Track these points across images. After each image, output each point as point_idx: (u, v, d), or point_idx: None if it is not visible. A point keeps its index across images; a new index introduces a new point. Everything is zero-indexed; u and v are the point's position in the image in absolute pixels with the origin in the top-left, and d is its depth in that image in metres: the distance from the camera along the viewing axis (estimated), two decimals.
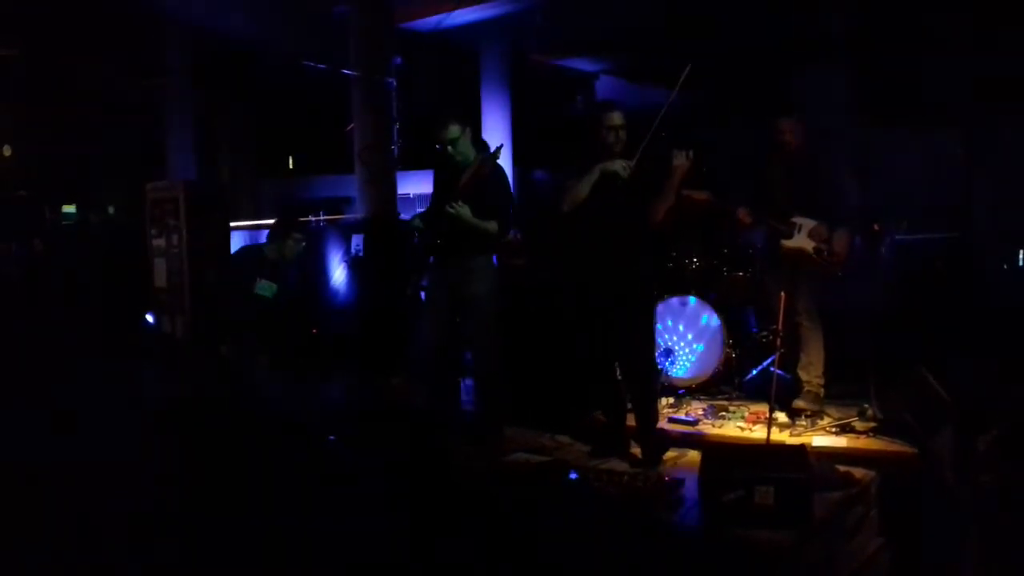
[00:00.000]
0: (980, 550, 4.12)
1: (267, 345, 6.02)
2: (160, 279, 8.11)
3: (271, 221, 6.88)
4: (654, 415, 4.75)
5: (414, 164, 10.31)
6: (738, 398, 5.71)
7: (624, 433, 4.77)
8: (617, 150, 4.53)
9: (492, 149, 4.84)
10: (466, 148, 4.92)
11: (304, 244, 6.47)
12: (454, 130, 4.85)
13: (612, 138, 4.54)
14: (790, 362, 5.31)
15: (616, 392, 4.81)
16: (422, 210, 5.26)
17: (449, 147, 4.87)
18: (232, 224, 8.53)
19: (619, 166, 4.47)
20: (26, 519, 4.26)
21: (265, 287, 6.07)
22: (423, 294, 5.33)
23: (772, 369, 4.96)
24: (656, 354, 5.56)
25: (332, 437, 5.21)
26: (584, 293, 4.69)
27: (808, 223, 5.25)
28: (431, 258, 5.02)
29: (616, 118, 4.55)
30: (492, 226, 4.84)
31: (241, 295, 5.98)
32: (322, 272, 8.79)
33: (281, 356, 6.40)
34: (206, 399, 5.80)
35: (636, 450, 4.69)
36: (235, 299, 6.00)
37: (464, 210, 4.75)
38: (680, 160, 4.43)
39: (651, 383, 4.78)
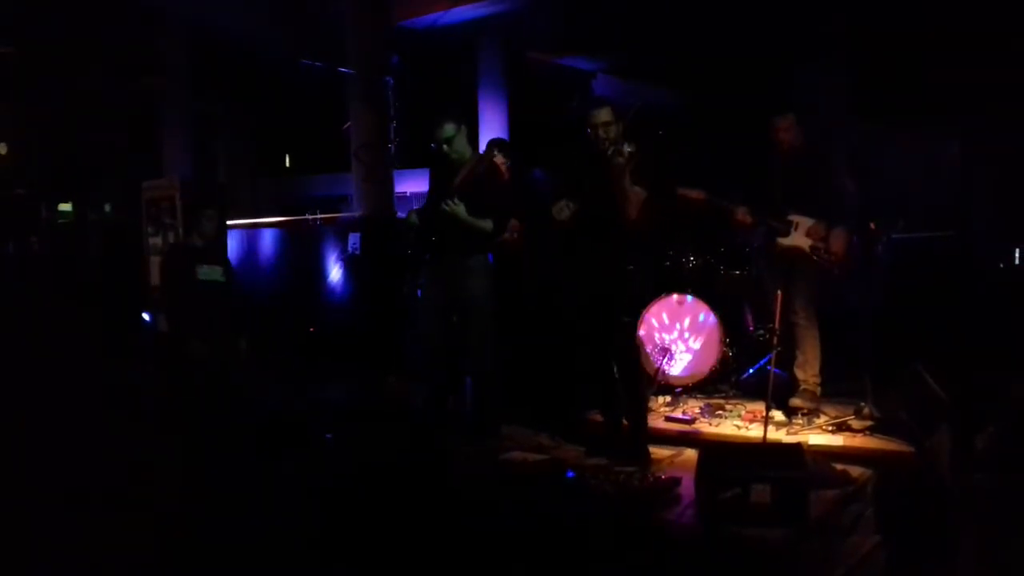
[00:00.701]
0: (976, 549, 4.12)
1: (243, 331, 5.99)
2: (156, 277, 8.12)
3: (268, 220, 6.88)
4: (640, 412, 4.72)
5: (411, 162, 10.30)
6: (735, 396, 5.71)
7: (621, 432, 4.77)
8: (605, 147, 4.52)
9: (485, 149, 4.87)
10: (462, 146, 4.94)
11: (219, 216, 6.41)
12: (449, 129, 4.87)
13: (596, 135, 4.55)
14: (787, 360, 5.31)
15: (613, 391, 4.80)
16: (418, 206, 5.27)
17: (445, 146, 4.89)
18: (229, 223, 8.55)
19: (556, 209, 4.57)
20: (23, 519, 4.26)
21: (208, 271, 6.00)
22: (419, 292, 5.34)
23: (769, 367, 4.96)
24: (649, 352, 5.57)
25: (329, 435, 5.22)
26: (577, 293, 4.71)
27: (805, 222, 5.24)
28: (428, 256, 5.02)
29: (601, 115, 4.56)
30: (487, 224, 4.84)
31: (187, 289, 5.93)
32: (319, 271, 8.79)
33: (270, 348, 6.40)
34: (190, 396, 5.81)
35: None
36: (182, 294, 5.95)
37: (460, 208, 4.76)
38: (616, 160, 4.44)
39: (633, 380, 4.73)
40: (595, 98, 4.96)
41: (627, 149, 4.43)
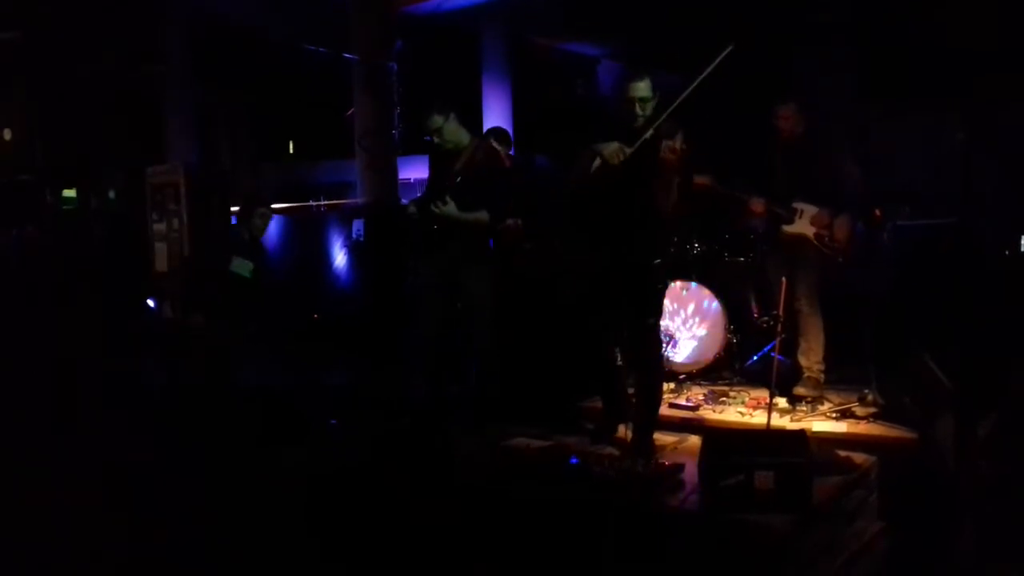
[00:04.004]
0: (978, 535, 4.13)
1: (249, 322, 6.08)
2: (161, 264, 8.14)
3: (271, 206, 6.91)
4: (653, 412, 4.58)
5: (415, 149, 10.30)
6: (739, 383, 5.71)
7: (624, 419, 4.75)
8: (639, 124, 4.25)
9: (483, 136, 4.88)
10: (454, 134, 4.95)
11: (270, 217, 6.53)
12: (436, 120, 4.89)
13: (632, 110, 4.26)
14: (791, 347, 5.31)
15: (615, 378, 4.78)
16: (420, 194, 5.28)
17: (435, 137, 4.91)
18: (232, 209, 8.54)
19: (610, 151, 4.14)
20: (25, 508, 4.28)
21: (240, 265, 6.11)
22: (420, 279, 5.35)
23: (773, 355, 4.96)
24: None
25: (333, 422, 5.24)
26: (587, 277, 4.64)
27: (809, 209, 5.24)
28: (427, 244, 5.03)
29: (639, 88, 4.24)
30: (482, 215, 4.86)
31: (219, 274, 6.06)
32: (323, 257, 8.79)
33: (279, 339, 6.45)
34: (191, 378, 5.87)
35: None
36: (213, 278, 6.09)
37: (449, 208, 4.78)
38: (666, 153, 4.07)
39: (654, 381, 4.57)
40: (634, 69, 4.47)
41: (679, 144, 4.05)
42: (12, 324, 7.29)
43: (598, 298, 4.55)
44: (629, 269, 4.39)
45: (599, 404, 5.01)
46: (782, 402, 5.10)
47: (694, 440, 4.56)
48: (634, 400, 4.65)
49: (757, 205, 5.33)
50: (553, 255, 6.10)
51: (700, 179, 5.27)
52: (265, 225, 6.38)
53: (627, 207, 4.34)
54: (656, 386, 4.59)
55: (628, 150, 4.14)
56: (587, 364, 4.92)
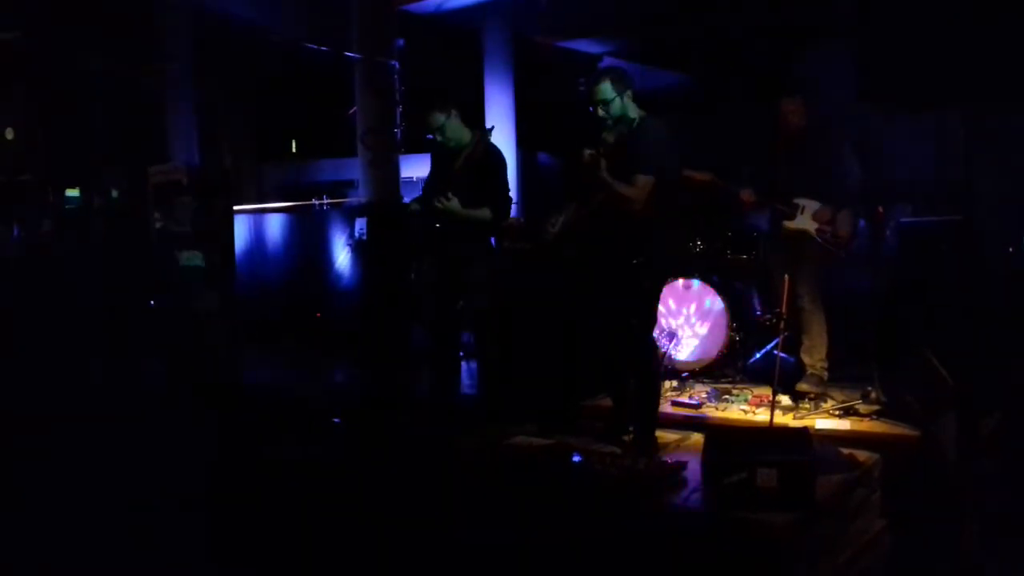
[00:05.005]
0: (981, 532, 4.13)
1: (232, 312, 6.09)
2: None
3: (274, 205, 6.91)
4: (652, 411, 4.60)
5: (417, 147, 10.30)
6: (741, 381, 5.70)
7: (627, 418, 4.75)
8: (608, 123, 4.38)
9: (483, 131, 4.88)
10: (455, 132, 4.95)
11: (195, 205, 6.43)
12: (438, 118, 4.90)
13: (599, 112, 4.40)
14: (794, 345, 5.30)
15: (620, 375, 4.78)
16: (420, 193, 5.29)
17: (437, 135, 4.91)
18: (235, 208, 8.54)
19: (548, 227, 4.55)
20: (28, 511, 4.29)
21: (190, 257, 6.04)
22: (424, 278, 5.35)
23: (776, 352, 4.96)
24: (657, 338, 5.52)
25: (337, 420, 5.25)
26: (588, 276, 4.66)
27: (811, 205, 5.24)
28: (430, 242, 5.04)
29: (598, 92, 4.36)
30: (484, 213, 4.87)
31: (167, 273, 6.02)
32: (325, 256, 8.80)
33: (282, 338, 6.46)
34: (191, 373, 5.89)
35: None
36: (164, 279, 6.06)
37: (452, 204, 4.78)
38: (585, 158, 4.30)
39: (649, 382, 4.58)
40: (598, 71, 4.58)
41: (587, 154, 4.25)
42: (15, 322, 7.30)
43: (598, 298, 4.57)
44: (613, 270, 4.44)
45: (602, 403, 5.01)
46: (785, 400, 5.10)
47: (697, 438, 4.56)
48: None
49: (747, 195, 5.34)
50: (555, 253, 6.10)
51: (701, 175, 5.28)
52: (191, 212, 6.25)
53: (604, 211, 4.42)
54: (648, 386, 4.58)
55: (557, 223, 4.50)
56: (590, 363, 4.92)
